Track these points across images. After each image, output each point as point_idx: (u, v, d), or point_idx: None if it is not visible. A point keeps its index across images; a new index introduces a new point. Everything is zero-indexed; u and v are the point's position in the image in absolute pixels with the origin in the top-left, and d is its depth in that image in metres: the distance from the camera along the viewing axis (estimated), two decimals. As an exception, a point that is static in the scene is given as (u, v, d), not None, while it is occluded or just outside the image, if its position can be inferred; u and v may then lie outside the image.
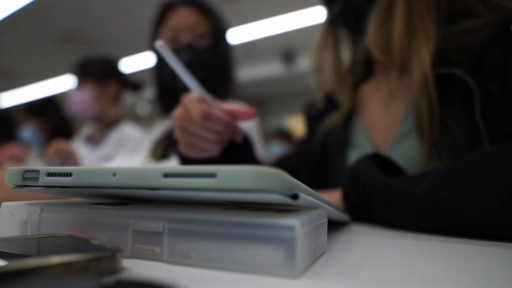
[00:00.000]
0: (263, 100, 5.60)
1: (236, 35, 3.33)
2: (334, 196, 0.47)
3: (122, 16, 3.24)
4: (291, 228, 0.18)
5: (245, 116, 0.46)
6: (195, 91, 0.42)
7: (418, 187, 0.34)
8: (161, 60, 0.94)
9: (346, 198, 0.44)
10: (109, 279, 0.14)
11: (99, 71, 1.39)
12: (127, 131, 1.38)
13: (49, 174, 0.22)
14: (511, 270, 0.21)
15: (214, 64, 0.92)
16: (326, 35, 0.63)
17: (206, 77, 0.91)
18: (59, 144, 0.99)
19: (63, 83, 4.37)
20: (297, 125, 3.26)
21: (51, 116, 1.74)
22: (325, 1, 0.60)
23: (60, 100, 1.90)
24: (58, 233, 0.24)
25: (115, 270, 0.18)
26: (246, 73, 4.12)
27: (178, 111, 0.45)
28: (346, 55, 0.66)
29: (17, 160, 1.40)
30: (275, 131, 2.97)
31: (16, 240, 0.21)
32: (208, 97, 0.43)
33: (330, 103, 0.66)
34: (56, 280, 0.15)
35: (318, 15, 0.67)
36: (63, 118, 1.79)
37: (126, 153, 1.23)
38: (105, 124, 1.40)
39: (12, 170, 0.24)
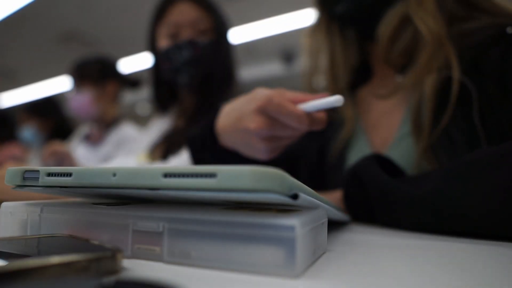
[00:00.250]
0: (263, 100, 5.59)
1: (236, 35, 3.32)
2: (334, 196, 0.47)
3: (122, 16, 3.24)
4: (291, 228, 0.18)
5: (319, 126, 0.41)
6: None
7: (419, 187, 0.34)
8: (159, 58, 0.92)
9: (346, 198, 0.44)
10: (109, 279, 0.14)
11: (96, 72, 1.38)
12: (127, 131, 1.38)
13: (49, 174, 0.22)
14: (511, 270, 0.21)
15: (216, 61, 0.90)
16: (324, 36, 0.61)
17: (209, 75, 0.89)
18: (55, 146, 0.98)
19: (63, 83, 4.37)
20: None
21: (51, 116, 1.75)
22: (326, 1, 0.60)
23: (60, 100, 1.90)
24: (58, 233, 0.24)
25: (115, 270, 0.18)
26: (246, 73, 4.11)
27: (258, 120, 0.39)
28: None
29: (17, 160, 1.40)
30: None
31: (16, 240, 0.21)
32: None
33: None
34: (56, 280, 0.15)
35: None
36: (63, 118, 1.79)
37: (126, 153, 1.23)
38: (105, 124, 1.40)
39: (12, 170, 0.24)
